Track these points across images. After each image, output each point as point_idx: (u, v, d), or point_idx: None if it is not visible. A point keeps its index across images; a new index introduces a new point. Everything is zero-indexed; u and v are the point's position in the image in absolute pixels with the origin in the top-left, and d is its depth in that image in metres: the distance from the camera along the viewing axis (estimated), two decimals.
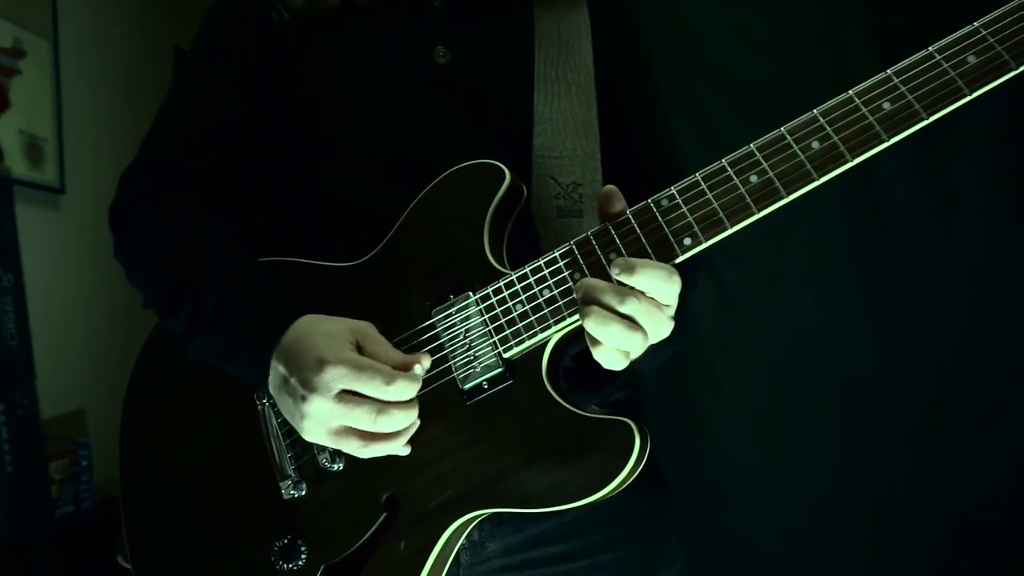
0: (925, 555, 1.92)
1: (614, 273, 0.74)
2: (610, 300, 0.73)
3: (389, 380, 0.76)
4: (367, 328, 0.82)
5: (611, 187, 0.79)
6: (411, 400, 0.79)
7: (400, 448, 0.81)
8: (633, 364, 0.80)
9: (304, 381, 0.78)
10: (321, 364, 0.77)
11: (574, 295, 0.78)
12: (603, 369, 0.87)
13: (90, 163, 2.61)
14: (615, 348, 0.75)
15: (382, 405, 0.77)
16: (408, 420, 0.79)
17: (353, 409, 0.77)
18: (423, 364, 0.80)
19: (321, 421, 0.78)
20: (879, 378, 2.00)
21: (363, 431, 0.78)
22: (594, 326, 0.74)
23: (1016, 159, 1.85)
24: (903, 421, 1.96)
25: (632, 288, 0.74)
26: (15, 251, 2.20)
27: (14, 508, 1.99)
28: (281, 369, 0.81)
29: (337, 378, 0.76)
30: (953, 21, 0.74)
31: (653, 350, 0.79)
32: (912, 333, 1.96)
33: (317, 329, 0.81)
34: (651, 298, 0.74)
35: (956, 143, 1.85)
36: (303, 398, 0.78)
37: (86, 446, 2.35)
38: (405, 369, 0.79)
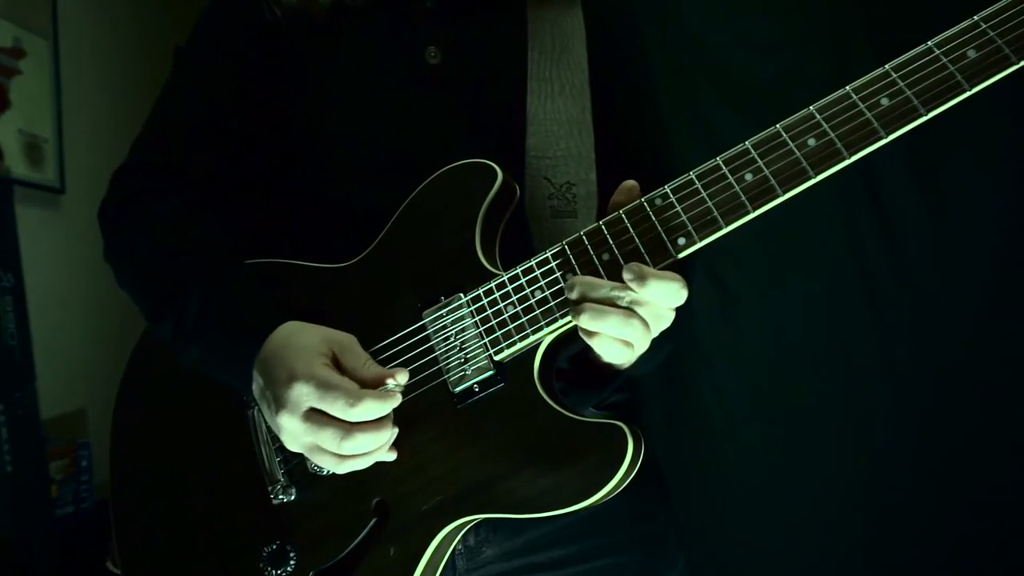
0: (925, 554, 1.91)
1: (627, 278, 0.73)
2: (610, 295, 0.73)
3: (353, 402, 0.74)
4: (346, 340, 0.81)
5: (633, 183, 0.79)
6: (381, 419, 0.77)
7: (383, 456, 0.80)
8: (633, 367, 0.79)
9: (276, 397, 0.77)
10: (290, 380, 0.76)
11: (567, 295, 0.77)
12: (600, 371, 0.86)
13: (90, 163, 2.61)
14: (615, 338, 0.74)
15: (347, 429, 0.75)
16: (376, 443, 0.77)
17: (319, 431, 0.76)
18: (398, 380, 0.78)
19: (294, 436, 0.78)
20: (879, 377, 1.98)
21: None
22: (590, 321, 0.73)
23: (1017, 156, 1.84)
24: (903, 421, 1.95)
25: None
26: (15, 251, 2.20)
27: (14, 508, 1.99)
28: (260, 381, 0.80)
29: (304, 396, 0.76)
30: (954, 18, 0.72)
31: (649, 350, 0.78)
32: (912, 332, 1.95)
33: (294, 341, 0.80)
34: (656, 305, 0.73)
35: (957, 140, 1.83)
36: (276, 412, 0.78)
37: (86, 446, 2.36)
38: (377, 385, 0.77)
